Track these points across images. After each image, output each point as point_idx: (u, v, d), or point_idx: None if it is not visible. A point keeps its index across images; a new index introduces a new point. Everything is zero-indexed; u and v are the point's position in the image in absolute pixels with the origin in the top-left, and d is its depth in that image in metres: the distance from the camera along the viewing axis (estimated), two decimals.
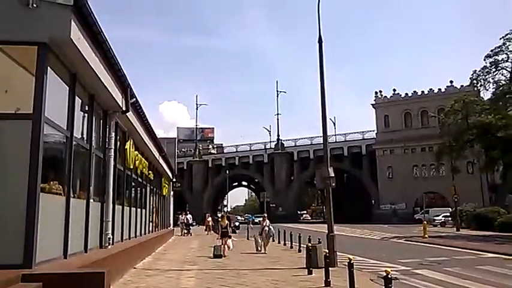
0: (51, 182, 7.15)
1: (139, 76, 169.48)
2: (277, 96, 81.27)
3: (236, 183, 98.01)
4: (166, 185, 27.43)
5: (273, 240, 20.82)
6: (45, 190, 6.67)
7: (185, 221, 33.41)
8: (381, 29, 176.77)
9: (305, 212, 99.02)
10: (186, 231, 32.33)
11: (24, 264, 6.00)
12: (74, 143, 7.82)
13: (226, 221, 18.92)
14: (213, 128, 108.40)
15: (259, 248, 17.95)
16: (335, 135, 73.14)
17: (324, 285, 9.37)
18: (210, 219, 34.53)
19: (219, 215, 32.80)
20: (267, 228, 18.27)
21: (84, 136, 8.88)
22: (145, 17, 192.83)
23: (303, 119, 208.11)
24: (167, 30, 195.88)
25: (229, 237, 18.05)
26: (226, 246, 17.03)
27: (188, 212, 36.26)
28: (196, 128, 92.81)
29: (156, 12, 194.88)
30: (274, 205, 64.58)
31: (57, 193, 7.31)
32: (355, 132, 73.14)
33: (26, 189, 6.13)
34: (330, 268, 9.90)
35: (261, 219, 56.34)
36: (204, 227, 36.06)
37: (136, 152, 14.24)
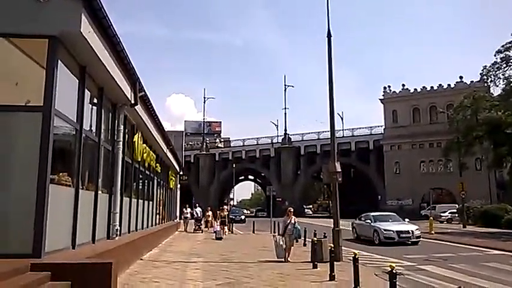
0: (61, 174, 7.25)
1: (147, 69, 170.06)
2: (285, 90, 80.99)
3: (242, 177, 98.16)
4: (173, 178, 27.60)
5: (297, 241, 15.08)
6: (54, 181, 6.78)
7: (195, 215, 29.82)
8: (390, 24, 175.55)
9: (311, 206, 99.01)
10: (196, 227, 28.60)
11: (33, 253, 6.10)
12: (83, 135, 7.92)
13: (226, 213, 25.97)
14: (221, 122, 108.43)
15: (280, 257, 13.28)
16: (342, 130, 72.77)
17: (328, 279, 9.44)
18: (210, 213, 30.65)
19: (224, 207, 31.43)
20: (291, 227, 13.49)
21: (93, 129, 8.98)
22: (153, 11, 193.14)
23: (310, 113, 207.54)
24: (175, 24, 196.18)
25: (227, 224, 25.27)
26: (224, 231, 23.49)
27: (197, 205, 31.90)
28: (204, 121, 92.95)
29: (163, 7, 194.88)
30: (280, 199, 64.58)
31: (66, 184, 7.42)
32: (362, 127, 72.93)
33: (36, 180, 6.23)
34: (335, 262, 9.99)
35: (264, 213, 52.61)
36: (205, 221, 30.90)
37: (145, 145, 14.33)
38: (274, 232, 25.80)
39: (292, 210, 14.38)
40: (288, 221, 13.58)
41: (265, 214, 47.54)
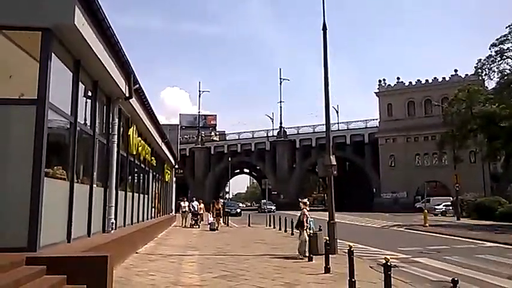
0: (55, 167, 7.22)
1: (142, 62, 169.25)
2: (280, 83, 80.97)
3: (238, 171, 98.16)
4: (169, 171, 27.54)
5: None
6: (49, 175, 6.74)
7: (192, 209, 27.47)
8: (386, 17, 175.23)
9: (306, 199, 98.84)
10: (193, 221, 26.85)
11: (28, 247, 6.09)
12: (77, 128, 7.88)
13: (220, 205, 26.74)
14: (216, 115, 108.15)
15: (304, 254, 11.87)
16: (338, 123, 72.83)
17: (323, 271, 9.48)
18: (202, 205, 28.52)
19: (220, 200, 30.52)
20: (309, 220, 12.57)
21: (88, 122, 8.93)
22: (148, 3, 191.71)
23: (305, 107, 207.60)
24: (169, 16, 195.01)
25: (221, 216, 26.44)
26: (218, 222, 24.64)
27: (194, 199, 29.33)
28: (199, 114, 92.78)
29: None
30: (275, 192, 64.76)
31: (61, 178, 7.38)
32: (357, 121, 73.03)
33: (31, 174, 6.20)
34: (330, 255, 10.00)
35: (272, 207, 49.14)
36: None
37: (139, 138, 14.29)
38: (270, 225, 25.94)
39: (307, 202, 13.44)
40: (307, 214, 12.54)
41: (273, 208, 43.53)
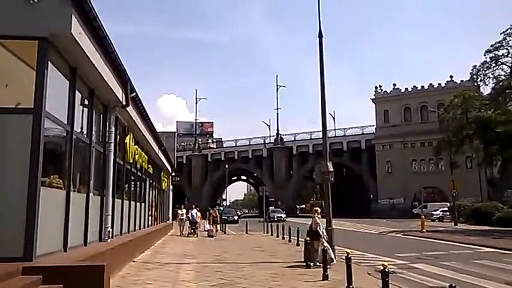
0: (52, 176, 7.21)
1: (138, 69, 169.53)
2: (277, 90, 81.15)
3: (235, 178, 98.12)
4: (166, 179, 27.47)
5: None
6: (45, 184, 6.73)
7: (190, 218, 26.55)
8: (382, 24, 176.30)
9: (304, 206, 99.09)
10: (191, 230, 25.79)
11: (24, 257, 6.07)
12: (74, 137, 7.87)
13: (217, 213, 28.00)
14: (213, 123, 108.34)
15: (316, 261, 11.26)
16: (334, 129, 73.04)
17: (321, 279, 9.45)
18: (199, 214, 27.79)
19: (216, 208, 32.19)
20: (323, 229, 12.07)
21: (85, 130, 8.92)
22: (144, 10, 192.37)
23: (302, 112, 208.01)
24: (165, 23, 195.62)
25: (218, 223, 27.45)
26: (215, 229, 25.64)
27: (193, 207, 28.24)
28: (196, 122, 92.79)
29: (155, 6, 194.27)
30: (273, 199, 64.66)
31: (57, 187, 7.37)
32: (354, 127, 73.18)
33: (27, 183, 6.19)
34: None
35: (282, 215, 47.34)
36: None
37: (136, 146, 14.28)
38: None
39: (318, 209, 13.07)
40: (319, 222, 12.00)
41: (284, 216, 43.73)
